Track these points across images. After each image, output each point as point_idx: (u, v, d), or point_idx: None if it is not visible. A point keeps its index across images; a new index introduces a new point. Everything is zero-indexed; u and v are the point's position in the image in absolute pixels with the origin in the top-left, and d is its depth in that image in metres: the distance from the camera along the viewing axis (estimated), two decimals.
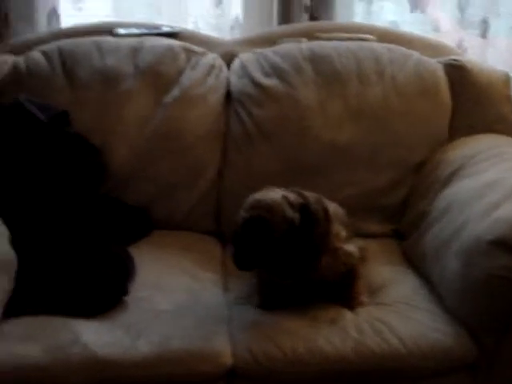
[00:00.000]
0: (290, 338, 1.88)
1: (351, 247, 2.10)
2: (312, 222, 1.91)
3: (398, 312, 1.99)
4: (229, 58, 2.59)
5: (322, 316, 1.97)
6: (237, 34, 2.90)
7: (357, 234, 2.25)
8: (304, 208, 1.91)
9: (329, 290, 2.08)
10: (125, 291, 2.01)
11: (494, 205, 1.94)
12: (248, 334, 1.91)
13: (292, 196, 1.92)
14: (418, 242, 2.25)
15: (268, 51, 2.56)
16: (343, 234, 2.10)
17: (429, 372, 1.90)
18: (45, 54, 2.50)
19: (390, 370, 1.88)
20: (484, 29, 2.88)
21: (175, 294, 2.05)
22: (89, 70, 2.46)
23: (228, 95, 2.52)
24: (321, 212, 1.96)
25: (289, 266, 1.90)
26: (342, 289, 2.07)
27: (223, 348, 1.87)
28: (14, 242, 2.04)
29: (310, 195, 2.00)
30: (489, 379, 1.93)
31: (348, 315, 1.98)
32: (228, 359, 1.85)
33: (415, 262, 2.25)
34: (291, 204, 1.89)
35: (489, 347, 1.91)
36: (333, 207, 2.09)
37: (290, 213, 1.88)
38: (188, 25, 2.89)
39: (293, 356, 1.85)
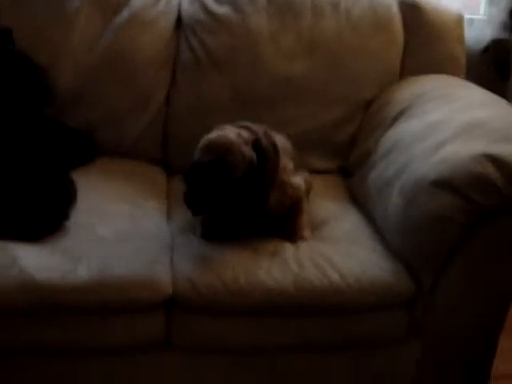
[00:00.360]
0: (231, 270, 1.88)
1: (297, 180, 2.11)
2: (264, 157, 1.91)
3: (340, 247, 2.00)
4: None
5: (263, 248, 1.97)
6: None
7: (303, 168, 2.25)
8: (256, 144, 1.90)
9: (273, 223, 2.08)
10: (65, 216, 1.97)
11: (437, 145, 1.95)
12: (190, 264, 1.91)
13: (245, 133, 1.91)
14: (362, 179, 2.25)
15: None
16: (290, 166, 2.10)
17: (368, 307, 1.92)
18: None
19: (330, 304, 1.90)
20: None
21: (117, 221, 2.03)
22: None
23: (179, 21, 2.46)
24: (270, 146, 1.96)
25: (242, 204, 1.89)
26: (286, 222, 2.07)
27: (163, 276, 1.86)
28: None
29: (258, 129, 1.99)
30: (424, 316, 1.97)
31: (290, 249, 1.98)
32: (168, 287, 1.85)
33: (359, 200, 2.26)
34: (246, 142, 1.88)
35: (426, 285, 1.93)
36: (279, 139, 2.09)
37: (248, 151, 1.87)
38: None
39: (233, 287, 1.85)
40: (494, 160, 1.81)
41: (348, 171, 2.43)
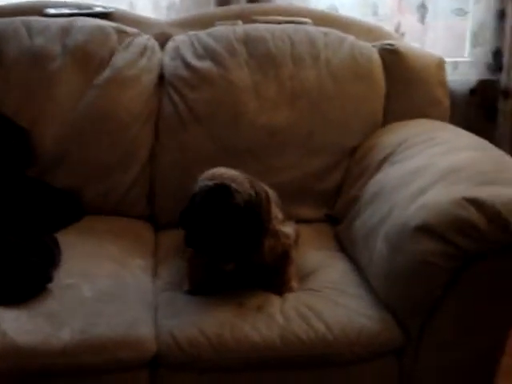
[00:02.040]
0: (215, 325, 1.86)
1: (287, 229, 2.10)
2: (259, 202, 1.91)
3: (326, 297, 1.98)
4: (163, 40, 2.54)
5: (249, 302, 1.95)
6: (173, 15, 2.84)
7: (290, 218, 2.23)
8: (252, 186, 1.91)
9: (261, 274, 2.06)
10: (48, 278, 1.96)
11: (420, 191, 1.94)
12: (173, 321, 1.88)
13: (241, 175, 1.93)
14: (349, 227, 2.24)
15: (202, 33, 2.51)
16: (280, 216, 2.09)
17: (355, 358, 1.88)
18: None
19: (316, 356, 1.87)
20: (422, 13, 2.87)
21: (101, 281, 2.01)
22: (17, 50, 2.40)
23: (161, 77, 2.48)
24: (263, 193, 1.96)
25: (240, 244, 1.88)
26: (274, 273, 2.05)
27: (147, 335, 1.84)
28: None
29: (243, 177, 1.98)
30: (415, 364, 1.93)
31: (275, 301, 1.96)
32: (151, 346, 1.82)
33: (346, 247, 2.25)
34: (245, 179, 1.91)
35: (414, 331, 1.90)
36: (269, 190, 2.09)
37: (248, 188, 1.88)
38: (123, 5, 2.81)
39: (217, 343, 1.83)
40: (476, 203, 1.80)
41: (335, 219, 2.41)
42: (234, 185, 1.86)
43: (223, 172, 1.92)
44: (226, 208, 1.84)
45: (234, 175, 1.91)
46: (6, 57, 2.39)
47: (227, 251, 1.91)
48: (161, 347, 1.83)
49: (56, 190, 2.36)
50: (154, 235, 2.40)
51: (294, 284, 2.05)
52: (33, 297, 1.91)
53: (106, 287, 1.99)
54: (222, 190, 1.85)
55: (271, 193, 2.12)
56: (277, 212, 2.08)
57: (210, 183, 1.87)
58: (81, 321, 1.83)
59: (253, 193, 1.89)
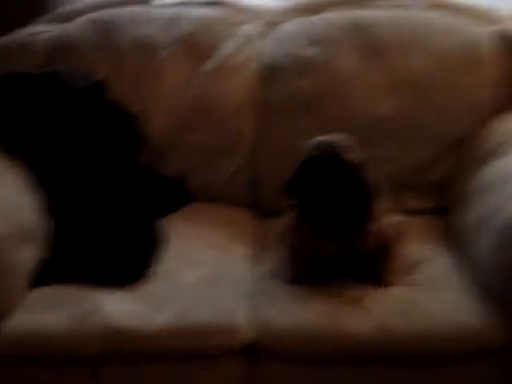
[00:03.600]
0: (312, 316, 1.85)
1: (393, 220, 2.06)
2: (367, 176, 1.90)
3: (427, 292, 1.93)
4: (270, 27, 2.53)
5: (347, 294, 1.92)
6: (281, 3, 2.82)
7: (397, 209, 2.18)
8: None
9: (362, 265, 2.02)
10: (149, 264, 2.00)
11: None
12: (270, 309, 1.88)
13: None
14: (457, 219, 2.18)
15: (310, 20, 2.49)
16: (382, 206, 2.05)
17: (455, 356, 1.82)
18: (83, 24, 2.51)
19: (414, 352, 1.82)
20: None
21: (201, 267, 2.03)
22: (126, 40, 2.46)
23: (267, 65, 2.47)
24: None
25: (350, 209, 1.89)
26: (375, 265, 2.01)
27: (243, 322, 1.85)
28: (52, 210, 2.09)
29: None
30: None
31: (374, 294, 1.92)
32: (247, 334, 1.83)
33: (454, 240, 2.18)
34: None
35: None
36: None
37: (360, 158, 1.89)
38: None
39: (313, 334, 1.81)
40: None
41: (443, 211, 2.34)
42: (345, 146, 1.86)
43: (331, 140, 1.92)
44: (340, 165, 1.85)
45: (343, 140, 1.90)
46: (116, 47, 2.46)
47: (337, 216, 1.89)
48: (257, 336, 1.83)
49: (162, 177, 2.41)
50: (257, 223, 2.40)
51: (394, 278, 2.00)
52: (135, 280, 1.96)
53: (207, 274, 2.01)
54: (334, 149, 1.87)
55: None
56: (385, 203, 2.04)
57: (317, 152, 1.88)
58: (178, 306, 1.86)
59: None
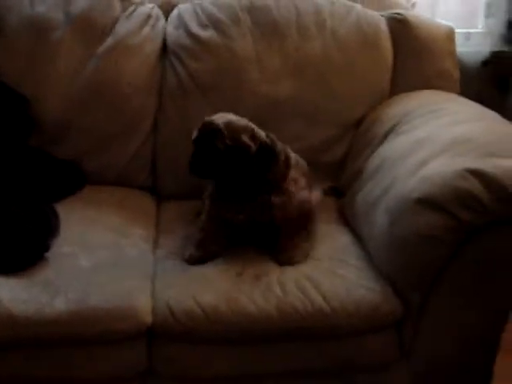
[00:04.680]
0: (212, 296, 1.85)
1: (306, 194, 2.09)
2: (270, 159, 1.96)
3: (326, 268, 1.96)
4: (167, 9, 2.50)
5: (247, 272, 1.93)
6: None
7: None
8: (265, 145, 1.96)
9: (270, 237, 2.04)
10: (46, 247, 1.95)
11: (422, 162, 1.90)
12: (170, 291, 1.87)
13: (260, 132, 1.99)
14: (352, 199, 2.21)
15: (206, 1, 2.46)
16: (302, 181, 2.10)
17: (354, 330, 1.87)
18: None
19: (314, 328, 1.85)
20: None
21: (99, 251, 2.00)
22: (18, 18, 2.37)
23: (165, 46, 2.44)
24: (282, 155, 2.01)
25: (239, 184, 1.97)
26: (281, 239, 2.03)
27: (143, 306, 1.83)
28: None
29: (279, 142, 2.03)
30: (415, 336, 1.91)
31: (274, 271, 1.94)
32: (147, 317, 1.82)
33: (349, 220, 2.22)
34: (253, 136, 1.95)
35: (415, 304, 1.88)
36: (295, 157, 2.12)
37: (246, 139, 1.93)
38: None
39: (213, 314, 1.82)
40: (479, 175, 1.76)
41: (339, 192, 2.38)
42: (224, 127, 1.93)
43: (230, 118, 1.99)
44: (210, 148, 1.93)
45: (231, 121, 1.97)
46: (7, 25, 2.36)
47: (237, 187, 1.99)
48: (156, 318, 1.82)
49: (57, 160, 2.35)
50: (156, 206, 2.38)
51: (296, 256, 2.01)
52: (30, 265, 1.90)
53: (105, 257, 1.98)
54: (210, 132, 1.93)
55: (296, 159, 2.13)
56: (298, 176, 2.08)
57: (208, 121, 1.96)
58: (77, 290, 1.83)
59: (252, 146, 1.94)
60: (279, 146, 2.02)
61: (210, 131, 1.94)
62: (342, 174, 2.40)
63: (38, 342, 1.78)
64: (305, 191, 2.09)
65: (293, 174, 2.04)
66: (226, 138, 1.92)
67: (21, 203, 2.08)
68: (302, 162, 2.17)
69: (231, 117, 2.00)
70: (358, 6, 2.48)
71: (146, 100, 2.40)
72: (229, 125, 1.95)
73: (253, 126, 2.00)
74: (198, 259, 2.00)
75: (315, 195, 2.17)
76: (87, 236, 2.07)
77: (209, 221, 2.05)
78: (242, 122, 1.99)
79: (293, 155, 2.10)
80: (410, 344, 1.91)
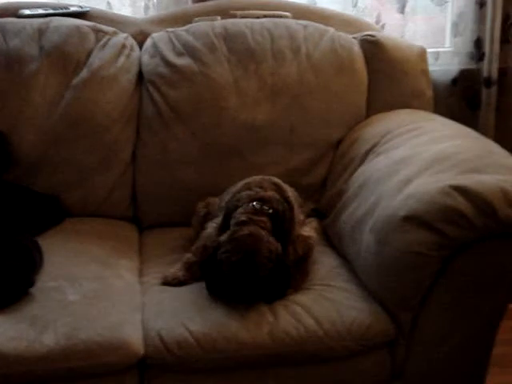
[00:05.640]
0: (203, 324, 1.83)
1: (308, 230, 2.10)
2: (282, 222, 1.94)
3: (315, 293, 1.95)
4: (141, 38, 2.50)
5: None
6: (151, 14, 2.80)
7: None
8: (275, 215, 1.93)
9: None
10: (30, 283, 1.91)
11: (406, 181, 1.91)
12: (160, 321, 1.85)
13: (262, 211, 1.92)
14: (335, 220, 2.22)
15: (180, 30, 2.47)
16: (301, 217, 2.12)
17: (347, 352, 1.86)
18: None
19: (307, 352, 1.84)
20: (402, 4, 2.85)
21: (85, 283, 1.97)
22: None
23: (140, 76, 2.44)
24: (286, 207, 1.98)
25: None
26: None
27: (133, 337, 1.80)
28: None
29: (269, 186, 2.01)
30: (407, 356, 1.91)
31: None
32: (138, 349, 1.79)
33: (333, 241, 2.23)
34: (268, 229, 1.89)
35: (406, 323, 1.88)
36: (290, 191, 2.10)
37: (273, 243, 1.87)
38: (101, 5, 2.77)
39: (206, 343, 1.80)
40: (462, 191, 1.78)
41: (321, 213, 2.38)
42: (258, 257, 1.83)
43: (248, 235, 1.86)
44: (249, 279, 1.83)
45: (257, 240, 1.85)
46: None
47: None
48: (148, 349, 1.80)
49: (35, 194, 2.32)
50: (138, 235, 2.36)
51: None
52: (15, 302, 1.87)
53: (91, 290, 1.95)
54: (244, 266, 1.82)
55: (292, 193, 2.12)
56: (299, 213, 2.09)
57: (234, 258, 1.83)
58: (65, 325, 1.79)
59: (278, 246, 1.88)
60: (274, 198, 1.98)
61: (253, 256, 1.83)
62: (323, 195, 2.41)
63: (29, 379, 1.74)
64: (307, 227, 2.11)
65: (296, 214, 2.04)
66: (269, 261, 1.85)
67: (2, 238, 2.05)
68: (295, 194, 2.17)
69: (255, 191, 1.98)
70: (331, 30, 2.50)
71: (124, 130, 2.39)
72: (258, 244, 1.85)
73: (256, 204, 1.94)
74: (180, 280, 1.99)
75: (314, 226, 2.18)
76: (71, 269, 2.04)
77: (205, 250, 2.01)
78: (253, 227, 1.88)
79: (289, 190, 2.09)
80: (403, 364, 1.91)
